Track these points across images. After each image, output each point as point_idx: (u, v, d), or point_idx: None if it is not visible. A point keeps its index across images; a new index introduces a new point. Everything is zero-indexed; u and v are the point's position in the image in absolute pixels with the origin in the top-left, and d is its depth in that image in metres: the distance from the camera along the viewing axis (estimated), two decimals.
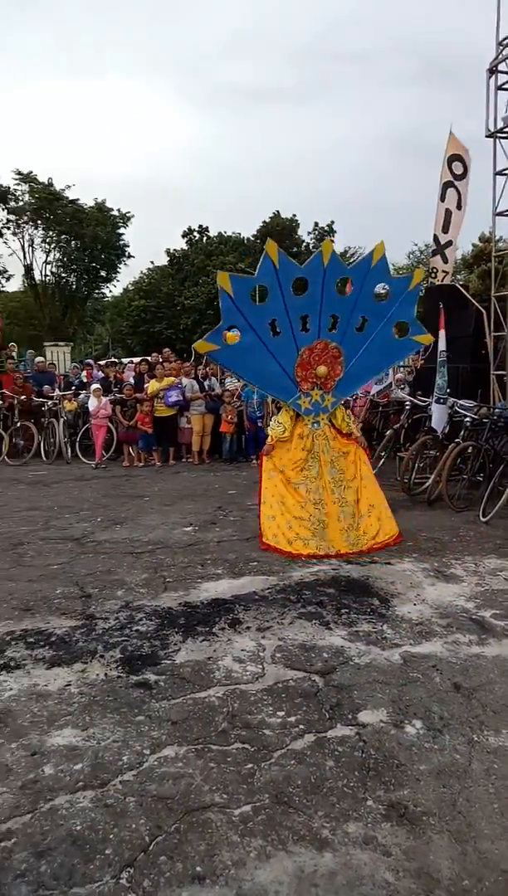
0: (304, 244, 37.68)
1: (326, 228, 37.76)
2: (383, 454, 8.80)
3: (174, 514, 6.79)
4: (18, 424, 10.77)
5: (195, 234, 39.20)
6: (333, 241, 7.04)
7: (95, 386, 10.78)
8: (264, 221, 37.43)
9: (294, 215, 37.63)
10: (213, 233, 39.41)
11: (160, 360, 12.09)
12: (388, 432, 8.94)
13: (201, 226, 39.46)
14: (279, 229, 36.64)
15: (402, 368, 11.31)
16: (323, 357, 5.78)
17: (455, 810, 2.23)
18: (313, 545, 5.41)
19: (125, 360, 16.19)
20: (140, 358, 14.06)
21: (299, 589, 4.43)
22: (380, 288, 6.08)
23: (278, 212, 37.51)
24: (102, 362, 14.02)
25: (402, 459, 8.00)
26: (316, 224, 37.98)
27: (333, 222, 37.72)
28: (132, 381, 11.30)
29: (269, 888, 1.91)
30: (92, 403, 10.45)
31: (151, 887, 1.91)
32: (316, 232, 37.94)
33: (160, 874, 1.96)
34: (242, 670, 3.23)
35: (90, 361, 15.14)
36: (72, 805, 2.26)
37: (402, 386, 9.79)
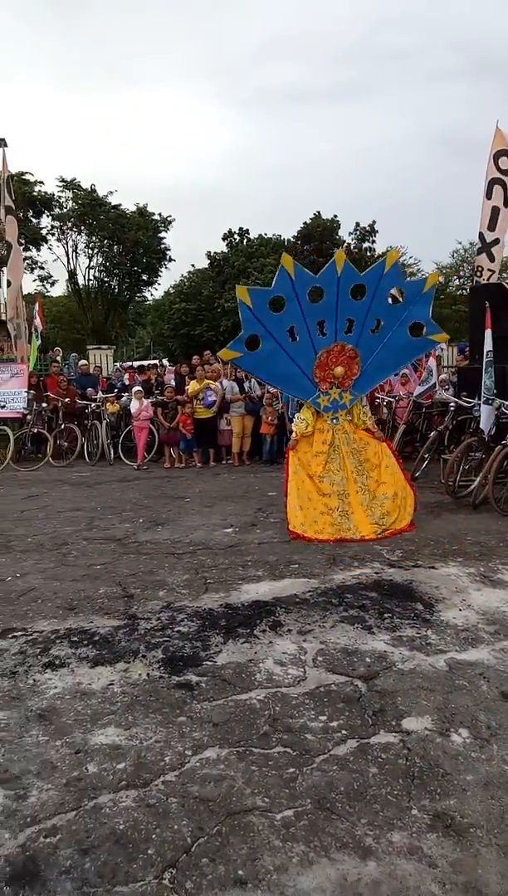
0: (345, 245, 37.40)
1: (367, 228, 37.43)
2: (426, 456, 8.67)
3: (215, 515, 6.81)
4: (63, 426, 10.99)
5: (236, 236, 39.34)
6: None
7: (136, 388, 10.91)
8: (305, 223, 37.31)
9: (335, 216, 37.39)
10: (253, 235, 39.51)
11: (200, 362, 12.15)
12: (432, 434, 8.79)
13: (241, 228, 39.58)
14: (320, 230, 36.50)
15: (446, 369, 11.12)
16: (340, 358, 6.26)
17: (504, 823, 2.17)
18: (339, 532, 5.86)
19: (167, 363, 16.32)
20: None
21: (341, 592, 4.38)
22: (394, 291, 6.50)
23: (318, 212, 37.33)
24: (137, 364, 14.17)
25: (446, 462, 7.85)
26: (357, 224, 37.68)
27: (374, 222, 37.34)
28: (173, 383, 11.40)
29: (311, 895, 1.89)
30: (134, 406, 10.58)
31: (193, 889, 1.90)
32: (357, 232, 37.63)
33: (202, 876, 1.95)
34: (283, 673, 3.21)
35: (131, 364, 15.32)
36: (115, 804, 2.27)
37: (446, 387, 9.62)
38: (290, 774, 2.43)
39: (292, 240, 38.58)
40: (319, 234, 36.20)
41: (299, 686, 3.09)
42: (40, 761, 2.51)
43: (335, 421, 6.34)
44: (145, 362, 14.69)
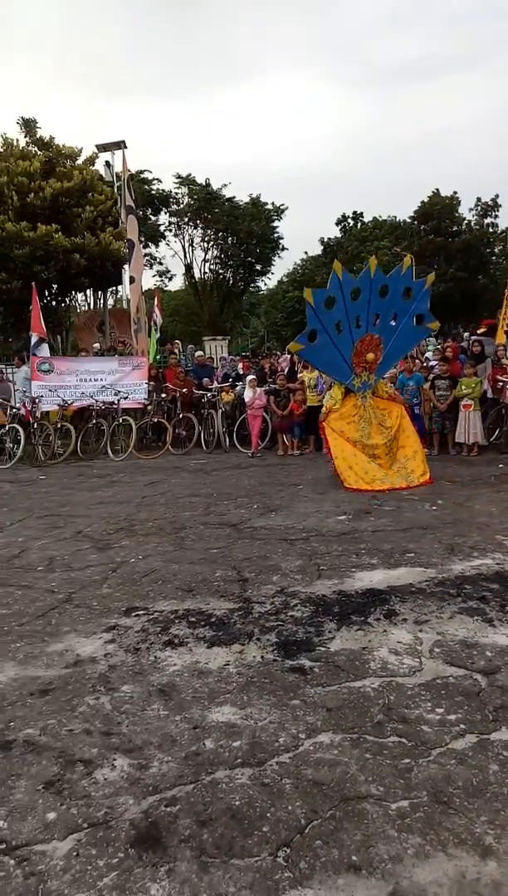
0: (465, 222, 35.65)
1: (490, 203, 35.43)
2: None
3: (327, 502, 6.78)
4: (180, 416, 11.38)
5: (349, 220, 38.72)
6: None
7: (250, 377, 11.07)
8: (422, 202, 35.94)
9: (455, 192, 35.69)
10: (367, 218, 38.67)
11: None
12: None
13: (355, 212, 38.91)
14: (439, 209, 35.00)
15: None
16: (370, 346, 7.75)
17: None
18: (384, 483, 7.26)
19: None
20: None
21: (460, 583, 4.22)
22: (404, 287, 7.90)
23: (437, 190, 35.79)
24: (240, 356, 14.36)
25: None
26: (478, 200, 35.75)
27: (497, 196, 35.25)
28: (286, 370, 11.45)
29: (428, 889, 1.84)
30: (247, 394, 10.74)
31: (307, 869, 1.92)
32: (478, 208, 35.73)
33: (316, 858, 1.97)
34: (398, 663, 3.15)
35: (247, 354, 15.55)
36: (231, 780, 2.34)
37: None
38: (405, 765, 2.38)
39: (409, 221, 37.33)
40: (437, 213, 34.73)
41: (414, 676, 3.01)
42: (161, 734, 2.63)
43: (364, 399, 7.87)
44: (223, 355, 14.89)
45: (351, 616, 3.75)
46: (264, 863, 1.96)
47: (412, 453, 7.62)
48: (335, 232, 38.68)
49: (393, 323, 7.93)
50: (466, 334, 17.13)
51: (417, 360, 10.72)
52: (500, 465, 8.55)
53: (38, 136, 15.15)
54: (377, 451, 7.58)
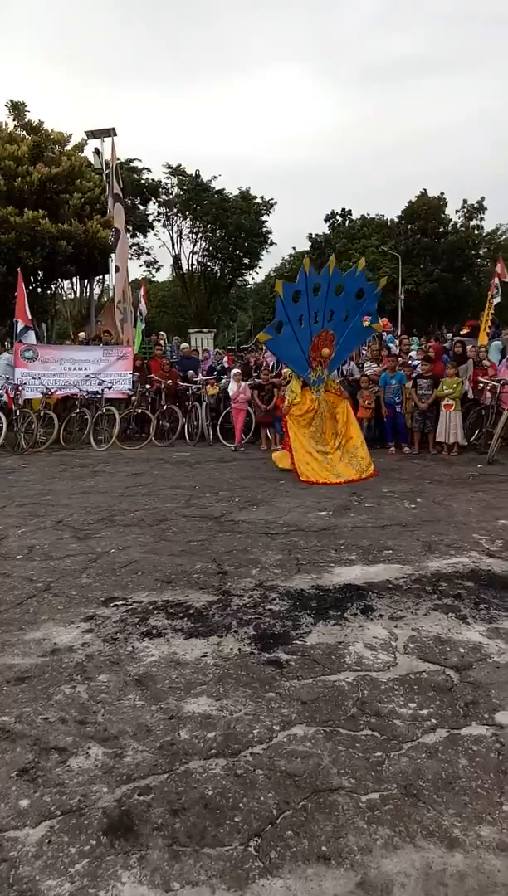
0: (451, 223, 35.89)
1: (476, 206, 35.71)
2: None
3: (309, 497, 6.82)
4: (165, 408, 11.34)
5: (338, 217, 38.76)
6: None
7: (235, 371, 11.06)
8: (410, 201, 36.09)
9: (442, 193, 35.93)
10: (356, 216, 38.73)
11: None
12: None
13: (343, 209, 38.97)
14: (426, 209, 35.19)
15: None
16: (325, 342, 8.10)
17: None
18: (338, 477, 7.63)
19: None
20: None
21: (436, 580, 4.27)
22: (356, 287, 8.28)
23: (424, 190, 36.09)
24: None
25: None
26: (465, 202, 36.00)
27: (483, 199, 35.56)
28: (271, 365, 11.46)
29: (395, 879, 1.88)
30: (232, 388, 10.73)
31: (277, 859, 1.95)
32: (465, 210, 35.99)
33: (287, 848, 2.00)
34: (373, 657, 3.19)
35: (233, 348, 15.52)
36: (205, 770, 2.36)
37: None
38: (377, 758, 2.42)
39: (396, 220, 37.47)
40: (425, 213, 34.91)
41: (388, 671, 3.06)
42: (136, 724, 2.65)
43: (318, 393, 8.20)
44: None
45: (328, 611, 3.79)
46: (235, 852, 1.98)
47: (359, 443, 8.22)
48: (324, 228, 38.73)
49: (344, 322, 8.31)
50: (449, 335, 17.27)
51: (399, 359, 10.78)
52: (479, 466, 8.65)
53: (26, 120, 14.94)
54: (329, 444, 8.07)
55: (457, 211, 36.56)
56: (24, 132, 14.80)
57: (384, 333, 13.50)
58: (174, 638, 3.45)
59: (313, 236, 38.80)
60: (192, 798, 2.22)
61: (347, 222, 39.14)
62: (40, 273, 14.74)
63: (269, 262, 55.11)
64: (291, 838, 2.04)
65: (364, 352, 11.52)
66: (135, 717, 2.69)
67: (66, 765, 2.38)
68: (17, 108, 14.90)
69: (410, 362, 10.89)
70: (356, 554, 4.86)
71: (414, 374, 10.05)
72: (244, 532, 5.51)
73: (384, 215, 38.74)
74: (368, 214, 39.09)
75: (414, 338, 16.46)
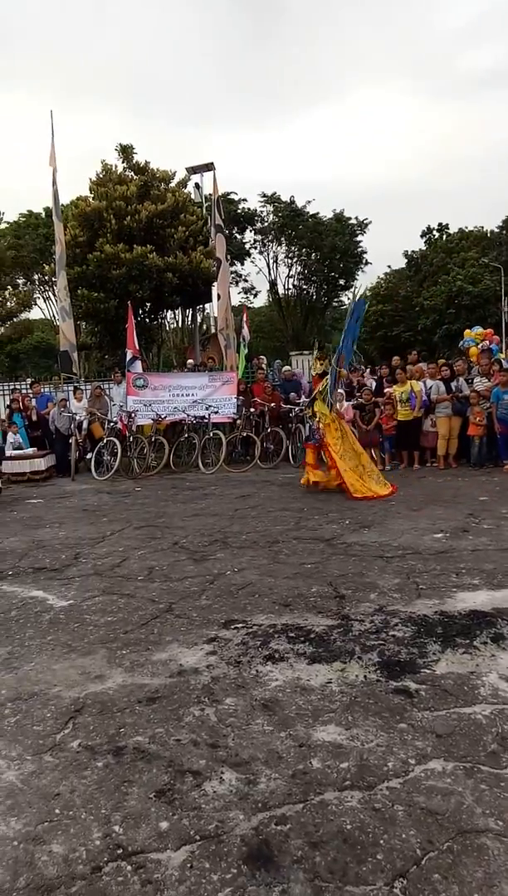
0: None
1: None
2: None
3: (423, 519, 6.60)
4: (268, 430, 11.43)
5: (434, 232, 38.00)
6: None
7: (337, 391, 10.97)
8: None
9: None
10: (453, 229, 37.81)
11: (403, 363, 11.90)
12: None
13: (440, 224, 38.14)
14: None
15: None
16: (340, 363, 8.95)
17: None
18: (374, 490, 7.98)
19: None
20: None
21: None
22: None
23: None
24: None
25: None
26: None
27: None
28: (373, 385, 11.30)
29: None
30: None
31: None
32: None
33: (435, 893, 1.88)
34: None
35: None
36: (341, 802, 2.29)
37: None
38: None
39: (497, 230, 36.22)
40: None
41: None
42: (267, 750, 2.62)
43: (333, 413, 8.61)
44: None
45: (455, 638, 3.61)
46: (379, 892, 1.90)
47: (368, 460, 8.65)
48: (420, 244, 38.04)
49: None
50: None
51: None
52: None
53: (134, 161, 15.79)
54: (355, 461, 8.35)
55: None
56: (133, 173, 15.64)
57: (492, 346, 12.96)
58: (297, 662, 3.40)
59: (409, 253, 38.21)
60: (330, 831, 2.15)
61: (444, 236, 38.26)
62: (148, 304, 15.40)
63: (364, 281, 54.68)
64: (439, 882, 1.92)
65: (474, 366, 11.10)
66: (265, 743, 2.66)
67: (201, 788, 2.39)
68: (125, 151, 15.80)
69: None
70: (480, 578, 4.62)
71: None
72: (358, 555, 5.40)
73: (483, 227, 37.60)
74: (466, 227, 38.07)
75: None
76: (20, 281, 31.90)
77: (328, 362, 9.08)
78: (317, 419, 8.51)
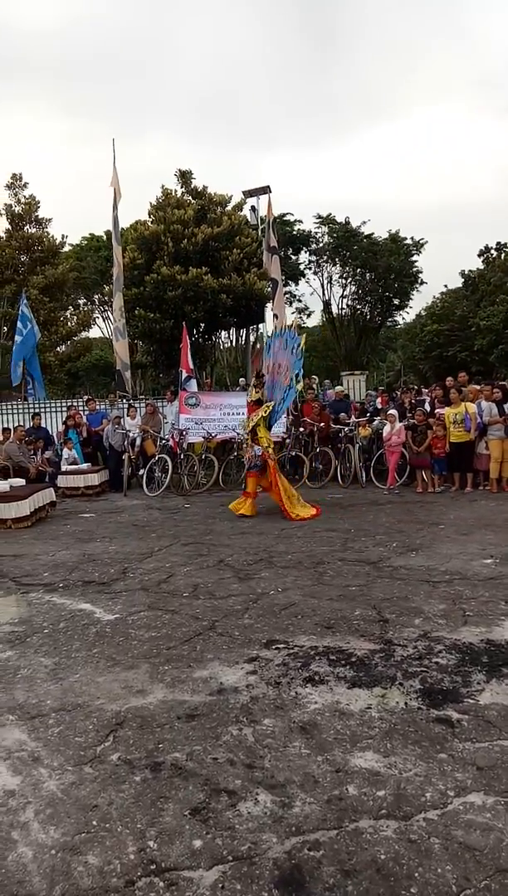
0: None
1: None
2: None
3: (472, 544, 6.45)
4: (317, 450, 11.42)
5: (493, 251, 37.34)
6: None
7: (390, 412, 10.90)
8: None
9: None
10: None
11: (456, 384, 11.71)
12: None
13: (499, 242, 37.44)
14: None
15: None
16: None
17: None
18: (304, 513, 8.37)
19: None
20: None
21: None
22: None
23: None
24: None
25: None
26: None
27: None
28: (427, 406, 11.16)
29: None
30: (386, 429, 10.57)
31: None
32: None
33: None
34: None
35: (383, 388, 15.36)
36: (376, 831, 2.26)
37: None
38: None
39: None
40: None
41: None
42: (303, 773, 2.61)
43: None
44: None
45: (502, 668, 3.52)
46: None
47: (289, 485, 9.10)
48: (477, 264, 37.44)
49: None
50: None
51: None
52: None
53: (192, 186, 16.23)
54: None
55: None
56: (190, 197, 16.07)
57: None
58: (337, 686, 3.38)
59: (466, 272, 37.61)
60: (363, 860, 2.12)
61: (503, 255, 37.54)
62: (202, 325, 15.70)
63: (420, 301, 54.10)
64: None
65: None
66: (301, 767, 2.65)
67: (235, 809, 2.40)
68: (184, 176, 16.26)
69: None
70: None
71: None
72: (404, 578, 5.32)
73: None
74: None
75: None
76: (81, 301, 32.94)
77: (264, 392, 9.19)
78: (266, 446, 8.72)
